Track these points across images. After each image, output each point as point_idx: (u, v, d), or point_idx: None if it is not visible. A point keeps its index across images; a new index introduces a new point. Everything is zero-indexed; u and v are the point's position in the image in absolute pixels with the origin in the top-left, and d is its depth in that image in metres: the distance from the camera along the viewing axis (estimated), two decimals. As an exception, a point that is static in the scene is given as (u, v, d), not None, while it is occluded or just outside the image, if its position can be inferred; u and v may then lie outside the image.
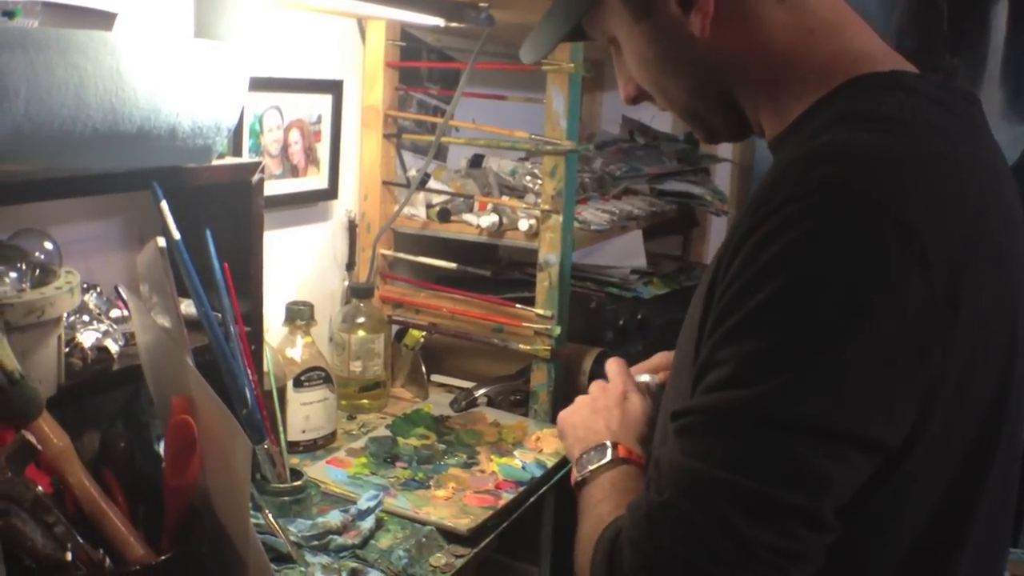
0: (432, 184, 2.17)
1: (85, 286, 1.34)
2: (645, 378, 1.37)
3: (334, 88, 1.98)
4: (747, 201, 0.87)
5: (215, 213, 1.41)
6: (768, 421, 0.77)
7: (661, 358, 1.27)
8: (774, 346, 0.78)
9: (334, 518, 1.44)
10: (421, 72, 2.30)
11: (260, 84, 1.75)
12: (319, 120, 1.96)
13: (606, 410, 1.16)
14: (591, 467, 1.08)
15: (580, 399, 1.22)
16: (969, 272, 0.79)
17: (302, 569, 1.33)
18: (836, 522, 0.78)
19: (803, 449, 0.76)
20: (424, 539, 1.44)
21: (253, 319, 1.49)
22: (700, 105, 1.02)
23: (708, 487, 0.78)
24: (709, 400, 0.81)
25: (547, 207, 1.92)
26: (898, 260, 0.76)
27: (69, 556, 1.02)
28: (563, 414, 1.22)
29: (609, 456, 1.08)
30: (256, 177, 1.46)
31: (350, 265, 2.14)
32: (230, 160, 1.46)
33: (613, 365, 1.25)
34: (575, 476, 1.09)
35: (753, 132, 1.03)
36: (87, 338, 1.28)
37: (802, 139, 0.88)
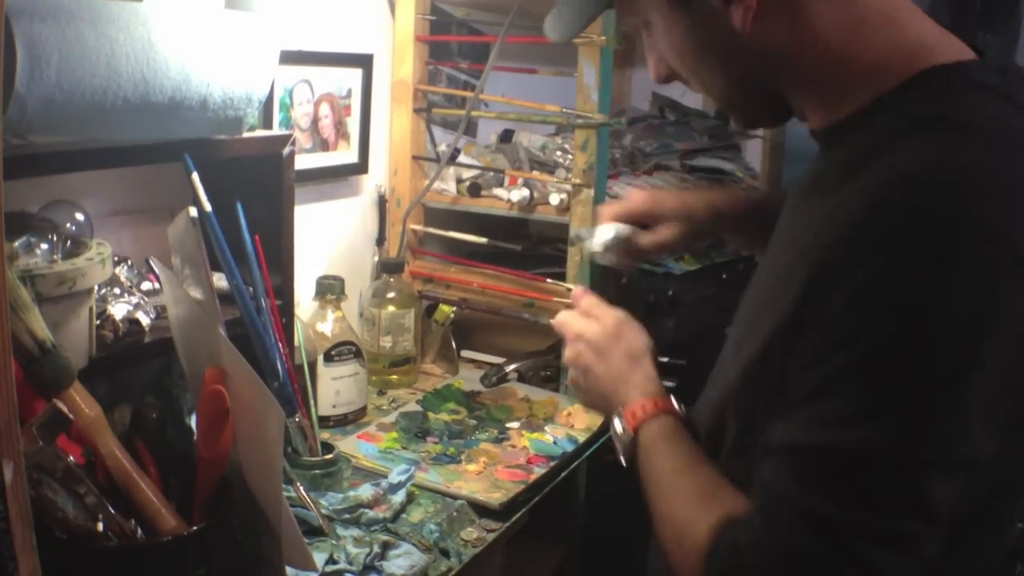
0: (462, 159, 2.16)
1: (116, 259, 1.34)
2: (610, 233, 1.30)
3: (364, 62, 1.97)
4: (835, 211, 0.84)
5: (246, 186, 1.40)
6: (893, 461, 0.78)
7: (637, 200, 1.31)
8: (895, 385, 0.78)
9: (365, 492, 1.44)
10: (451, 46, 2.28)
11: (290, 57, 1.74)
12: (349, 94, 1.95)
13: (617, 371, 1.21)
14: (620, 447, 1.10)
15: (581, 354, 1.28)
16: None
17: (333, 542, 1.33)
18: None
19: (926, 482, 0.77)
20: (455, 513, 1.44)
21: (284, 293, 1.49)
22: (738, 94, 0.99)
23: (838, 526, 0.78)
24: (829, 438, 0.80)
25: (578, 181, 1.90)
26: (1010, 287, 0.76)
27: (100, 526, 1.02)
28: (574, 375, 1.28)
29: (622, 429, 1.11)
30: (287, 149, 1.45)
31: (380, 240, 2.13)
32: (261, 132, 1.46)
33: (585, 298, 1.27)
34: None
35: (793, 116, 1.00)
36: (118, 310, 1.28)
37: (873, 143, 0.85)
